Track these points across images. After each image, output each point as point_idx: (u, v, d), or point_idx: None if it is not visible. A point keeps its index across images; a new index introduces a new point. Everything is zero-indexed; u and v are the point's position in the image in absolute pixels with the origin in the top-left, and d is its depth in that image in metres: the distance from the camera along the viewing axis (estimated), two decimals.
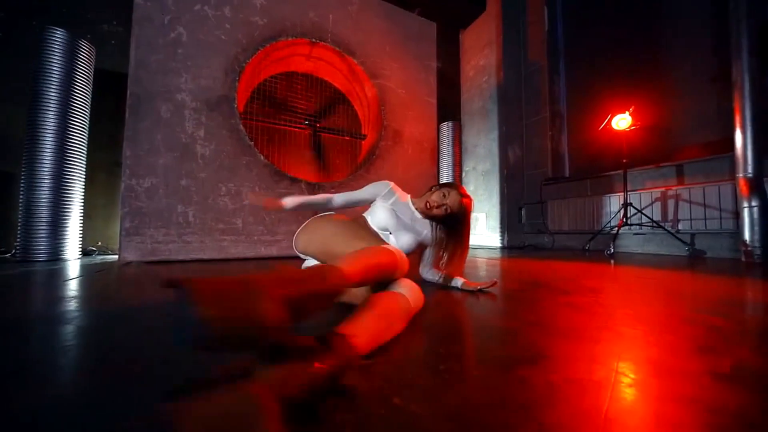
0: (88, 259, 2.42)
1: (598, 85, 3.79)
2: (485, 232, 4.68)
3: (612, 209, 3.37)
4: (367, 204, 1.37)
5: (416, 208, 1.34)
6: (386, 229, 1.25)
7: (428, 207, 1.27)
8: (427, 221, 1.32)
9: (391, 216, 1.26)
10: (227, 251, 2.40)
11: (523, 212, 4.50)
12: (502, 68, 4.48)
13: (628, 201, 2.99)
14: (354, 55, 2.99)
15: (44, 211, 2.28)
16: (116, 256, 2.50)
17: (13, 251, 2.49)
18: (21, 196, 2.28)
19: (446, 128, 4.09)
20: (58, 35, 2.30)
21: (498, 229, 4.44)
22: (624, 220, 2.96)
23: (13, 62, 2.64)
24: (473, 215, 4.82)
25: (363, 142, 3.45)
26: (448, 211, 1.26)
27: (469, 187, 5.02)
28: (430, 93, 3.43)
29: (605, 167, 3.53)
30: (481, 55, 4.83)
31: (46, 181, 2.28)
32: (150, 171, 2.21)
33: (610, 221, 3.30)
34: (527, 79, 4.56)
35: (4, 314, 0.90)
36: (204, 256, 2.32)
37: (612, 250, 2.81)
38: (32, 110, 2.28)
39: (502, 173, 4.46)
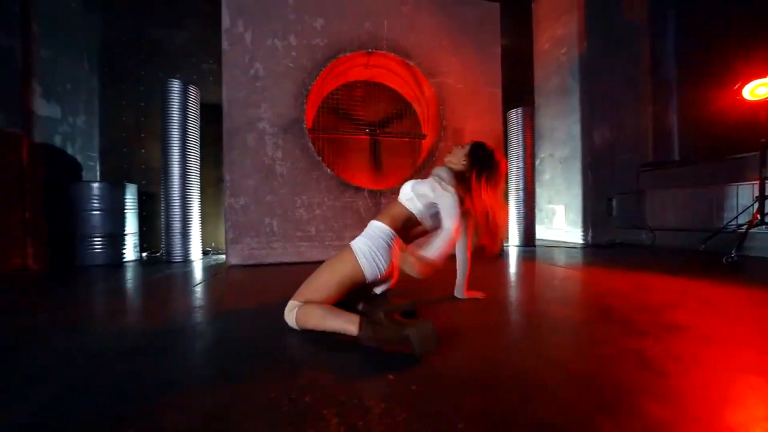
0: (206, 260, 3.10)
1: (721, 45, 2.94)
2: (564, 226, 4.21)
3: (741, 202, 2.67)
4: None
5: (441, 179, 1.25)
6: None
7: (465, 165, 1.30)
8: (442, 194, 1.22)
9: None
10: (304, 255, 2.77)
11: (613, 204, 3.88)
12: (585, 36, 3.81)
13: (766, 192, 2.33)
14: (410, 57, 2.96)
15: (176, 222, 2.98)
16: (224, 257, 3.15)
17: (160, 252, 3.35)
18: (162, 210, 3.03)
19: (515, 115, 3.74)
20: (175, 84, 2.90)
21: (580, 224, 3.95)
22: (759, 216, 2.33)
23: (151, 106, 3.44)
24: (550, 207, 4.39)
25: (424, 142, 3.44)
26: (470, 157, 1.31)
27: (545, 176, 4.54)
28: (493, 82, 3.18)
29: (732, 149, 2.78)
30: (558, 24, 4.18)
31: (175, 197, 2.97)
32: (243, 191, 2.67)
33: (737, 217, 2.63)
34: (620, 45, 3.80)
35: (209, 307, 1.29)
36: (286, 259, 2.73)
37: (735, 256, 2.26)
38: (164, 144, 2.96)
39: (585, 159, 3.90)
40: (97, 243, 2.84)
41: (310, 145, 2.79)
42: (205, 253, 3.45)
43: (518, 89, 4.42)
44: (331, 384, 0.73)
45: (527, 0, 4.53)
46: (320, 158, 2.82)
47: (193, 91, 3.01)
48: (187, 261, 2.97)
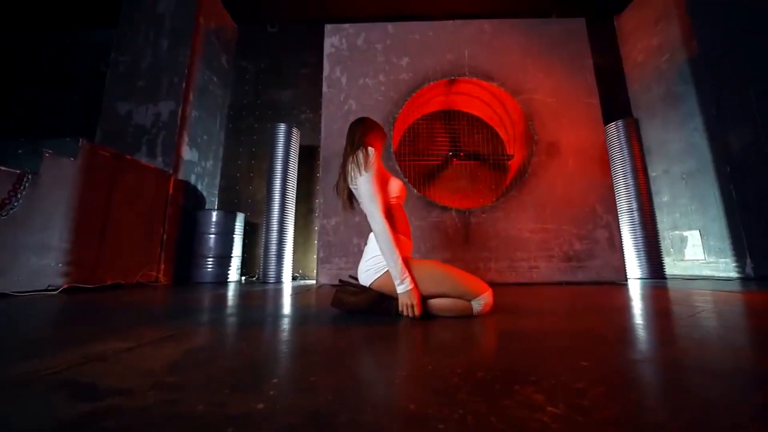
0: (295, 283, 3.22)
1: None
2: (701, 257, 3.32)
3: None
4: (392, 193, 1.29)
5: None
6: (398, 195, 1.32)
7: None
8: None
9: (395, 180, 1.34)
10: None
11: None
12: (694, 37, 3.40)
13: None
14: (492, 79, 2.98)
15: (273, 248, 3.23)
16: (312, 282, 3.23)
17: (256, 276, 3.61)
18: (263, 239, 3.33)
19: (614, 129, 3.35)
20: (282, 127, 3.40)
21: (729, 253, 3.07)
22: None
23: (261, 152, 4.07)
24: (676, 233, 3.59)
25: (510, 162, 3.27)
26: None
27: (663, 198, 3.80)
28: (588, 93, 2.95)
29: None
30: (652, 33, 3.86)
31: (274, 223, 3.26)
32: (335, 213, 2.79)
33: None
34: (746, 36, 3.26)
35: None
36: None
37: None
38: (268, 178, 3.38)
39: (721, 171, 3.17)
40: (210, 263, 3.21)
41: (398, 167, 2.87)
42: (293, 278, 3.61)
43: (610, 107, 4.04)
44: None
45: (606, 19, 4.36)
46: (406, 179, 2.85)
47: (295, 132, 3.48)
48: (279, 282, 3.12)
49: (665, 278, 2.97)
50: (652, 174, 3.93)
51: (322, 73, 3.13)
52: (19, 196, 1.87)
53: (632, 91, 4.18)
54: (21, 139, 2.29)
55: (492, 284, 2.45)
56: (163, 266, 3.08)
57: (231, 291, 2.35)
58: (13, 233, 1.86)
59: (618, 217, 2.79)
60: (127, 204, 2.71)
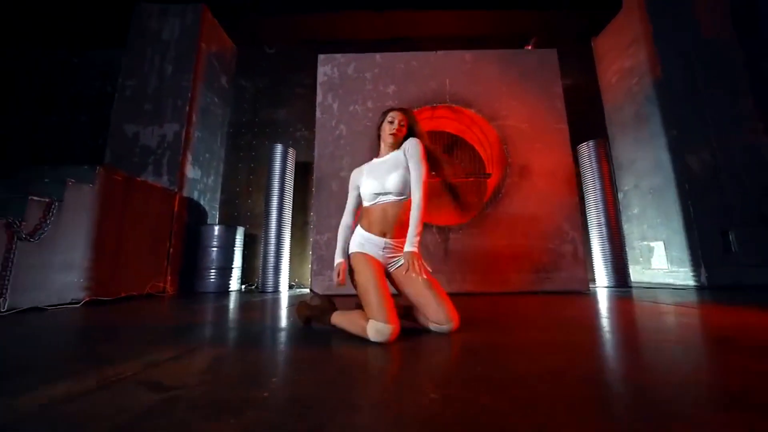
0: (291, 292, 3.50)
1: None
2: (665, 266, 3.62)
3: None
4: (361, 197, 1.43)
5: (384, 153, 1.44)
6: (377, 193, 1.34)
7: (394, 135, 1.39)
8: (399, 150, 1.40)
9: (369, 180, 1.37)
10: None
11: (732, 238, 3.26)
12: (658, 63, 3.68)
13: None
14: (471, 106, 3.26)
15: (271, 260, 3.50)
16: (307, 290, 3.50)
17: (255, 285, 3.88)
18: (262, 251, 3.60)
19: (586, 149, 3.63)
20: (279, 149, 3.67)
21: (688, 263, 3.36)
22: None
23: (259, 167, 4.34)
24: (644, 244, 3.88)
25: (488, 180, 3.55)
26: (403, 123, 1.41)
27: (632, 210, 4.09)
28: (558, 119, 3.23)
29: None
30: (625, 56, 4.15)
31: (272, 236, 3.53)
32: (327, 228, 3.07)
33: None
34: (705, 65, 3.56)
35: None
36: None
37: None
38: (266, 195, 3.65)
39: (681, 188, 3.46)
40: (212, 274, 3.49)
41: None
42: (290, 287, 3.88)
43: (586, 124, 4.33)
44: None
45: (586, 40, 4.65)
46: None
47: (290, 152, 3.75)
48: (277, 291, 3.40)
49: (629, 287, 3.26)
50: (624, 188, 4.23)
51: (316, 93, 3.40)
52: (48, 222, 2.14)
53: (606, 109, 4.47)
54: (45, 167, 2.56)
55: (467, 294, 2.74)
56: (169, 278, 3.35)
57: (232, 302, 2.63)
58: (43, 254, 2.13)
59: (582, 233, 3.07)
60: (137, 222, 2.98)
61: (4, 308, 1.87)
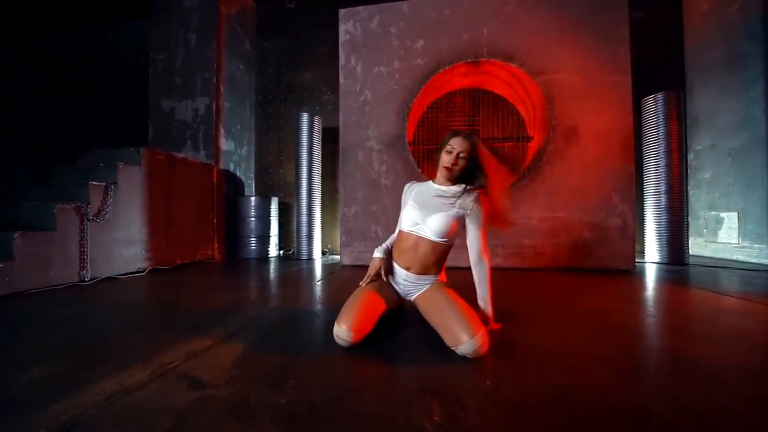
0: (324, 259, 3.69)
1: None
2: (735, 240, 3.17)
3: None
4: (402, 218, 1.33)
5: (440, 182, 1.28)
6: (416, 222, 1.22)
7: (447, 169, 1.22)
8: (459, 189, 1.24)
9: (413, 207, 1.24)
10: None
11: None
12: None
13: None
14: (512, 59, 2.83)
15: (304, 230, 3.65)
16: (338, 257, 3.67)
17: (292, 251, 4.14)
18: (295, 217, 3.76)
19: (653, 103, 3.06)
20: (305, 117, 3.59)
21: (767, 238, 2.90)
22: None
23: (288, 135, 4.35)
24: (712, 214, 3.40)
25: (529, 144, 3.21)
26: (463, 155, 1.20)
27: (703, 175, 3.53)
28: (620, 70, 2.71)
29: None
30: None
31: (303, 206, 3.64)
32: (354, 201, 3.08)
33: None
34: None
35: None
36: None
37: None
38: (296, 164, 3.69)
39: None
40: (253, 242, 3.76)
41: (411, 158, 3.00)
42: (323, 253, 4.09)
43: (658, 72, 3.59)
44: None
45: None
46: (420, 169, 2.99)
47: (317, 120, 3.67)
48: (310, 258, 3.60)
49: (686, 264, 2.94)
50: (696, 147, 3.61)
51: (338, 53, 3.18)
52: (108, 203, 2.39)
53: (689, 49, 3.65)
54: (98, 150, 2.80)
55: (497, 269, 2.67)
56: (216, 245, 3.69)
57: (272, 272, 2.84)
58: (109, 232, 2.43)
59: (634, 206, 2.74)
60: (182, 196, 3.23)
61: (87, 278, 2.21)
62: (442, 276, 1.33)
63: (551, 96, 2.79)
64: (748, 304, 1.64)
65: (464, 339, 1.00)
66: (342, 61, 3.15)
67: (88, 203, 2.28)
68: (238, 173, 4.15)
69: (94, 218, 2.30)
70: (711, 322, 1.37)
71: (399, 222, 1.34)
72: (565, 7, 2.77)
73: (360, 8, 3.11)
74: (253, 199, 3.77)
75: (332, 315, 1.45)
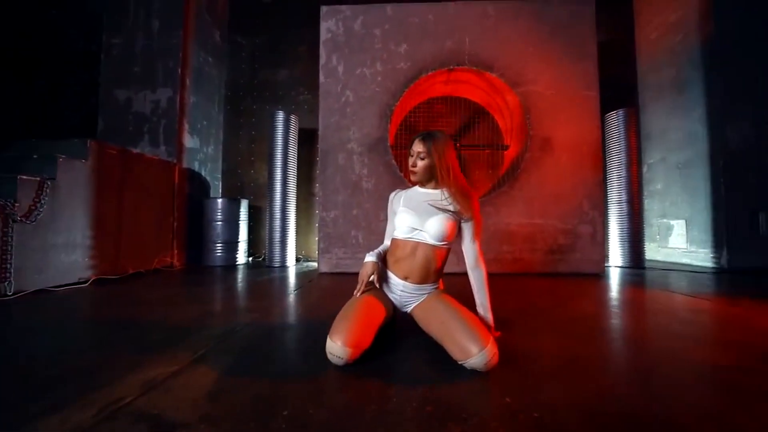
0: (299, 266, 3.48)
1: None
2: (683, 245, 3.49)
3: None
4: (396, 228, 1.25)
5: (425, 186, 1.23)
6: (414, 228, 1.16)
7: (411, 172, 1.20)
8: (443, 192, 1.18)
9: (407, 213, 1.18)
10: None
11: (762, 219, 3.08)
12: (710, 17, 3.20)
13: None
14: (491, 69, 2.91)
15: (277, 235, 3.43)
16: (315, 264, 3.48)
17: (262, 257, 3.87)
18: (267, 221, 3.52)
19: (615, 119, 3.31)
20: (280, 116, 3.41)
21: (710, 243, 3.23)
22: None
23: (261, 134, 4.10)
24: (663, 221, 3.72)
25: (505, 153, 3.31)
26: (422, 156, 1.17)
27: (655, 186, 3.87)
28: (588, 85, 2.90)
29: None
30: (670, 9, 3.62)
31: (277, 210, 3.42)
32: (334, 206, 2.94)
33: None
34: (766, 23, 3.08)
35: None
36: None
37: None
38: (269, 166, 3.47)
39: (714, 164, 3.20)
40: (219, 248, 3.45)
41: (393, 161, 2.95)
42: (297, 260, 3.87)
43: (615, 89, 3.92)
44: None
45: None
46: (402, 173, 2.94)
47: (293, 119, 3.50)
48: (284, 266, 3.38)
49: (643, 267, 3.17)
50: (649, 161, 3.95)
51: (319, 51, 3.06)
52: (42, 202, 2.04)
53: (641, 71, 4.03)
54: (34, 140, 2.40)
55: None
56: (176, 252, 3.33)
57: (241, 281, 2.60)
58: (43, 236, 2.07)
59: (603, 212, 2.91)
60: (137, 197, 2.88)
61: (10, 291, 1.85)
62: (440, 284, 1.27)
63: (528, 106, 2.90)
64: (704, 302, 1.76)
65: (474, 351, 0.91)
66: (323, 60, 3.04)
67: (15, 201, 1.92)
68: (203, 173, 3.82)
69: (23, 219, 1.94)
70: (670, 315, 1.44)
71: (388, 232, 1.28)
72: (542, 23, 2.91)
73: (343, 7, 3.03)
74: (220, 201, 3.48)
75: (314, 328, 1.34)
